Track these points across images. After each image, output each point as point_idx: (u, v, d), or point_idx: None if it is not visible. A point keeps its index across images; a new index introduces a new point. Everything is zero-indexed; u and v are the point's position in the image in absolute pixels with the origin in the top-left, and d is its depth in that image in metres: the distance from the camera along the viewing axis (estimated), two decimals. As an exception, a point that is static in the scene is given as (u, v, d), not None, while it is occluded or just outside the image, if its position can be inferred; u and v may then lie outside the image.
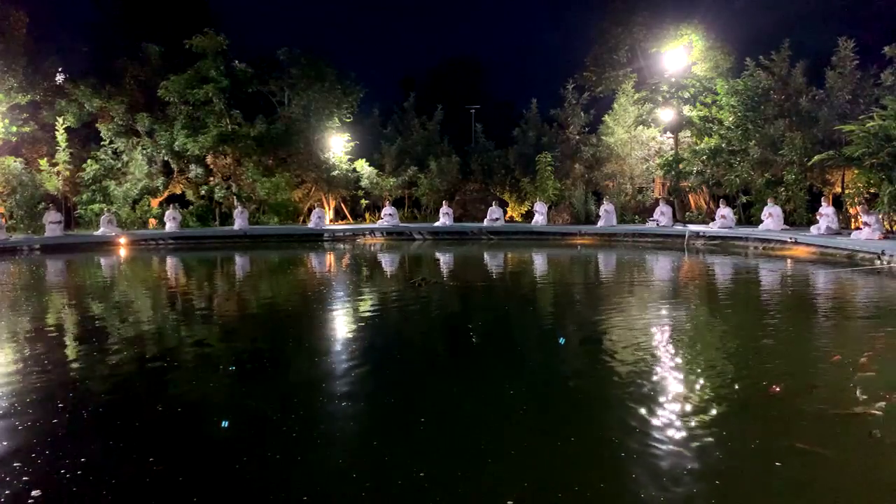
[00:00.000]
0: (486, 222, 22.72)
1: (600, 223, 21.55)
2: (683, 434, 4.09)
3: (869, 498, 3.36)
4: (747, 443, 3.96)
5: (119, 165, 24.68)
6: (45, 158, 23.58)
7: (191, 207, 25.64)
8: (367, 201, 27.67)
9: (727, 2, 24.94)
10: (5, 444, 4.05)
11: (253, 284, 12.91)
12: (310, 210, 25.56)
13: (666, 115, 23.22)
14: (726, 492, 3.36)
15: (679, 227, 19.75)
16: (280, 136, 25.29)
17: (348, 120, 27.07)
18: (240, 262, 16.87)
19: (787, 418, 4.45)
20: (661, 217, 20.75)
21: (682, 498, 3.29)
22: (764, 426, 4.29)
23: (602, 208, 22.00)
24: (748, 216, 21.22)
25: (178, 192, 26.16)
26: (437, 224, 23.12)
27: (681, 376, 5.40)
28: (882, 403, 4.54)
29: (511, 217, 26.05)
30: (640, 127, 23.91)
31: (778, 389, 4.93)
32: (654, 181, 24.76)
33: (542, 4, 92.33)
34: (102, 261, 16.86)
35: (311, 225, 23.42)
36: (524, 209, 25.95)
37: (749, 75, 20.33)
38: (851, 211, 18.67)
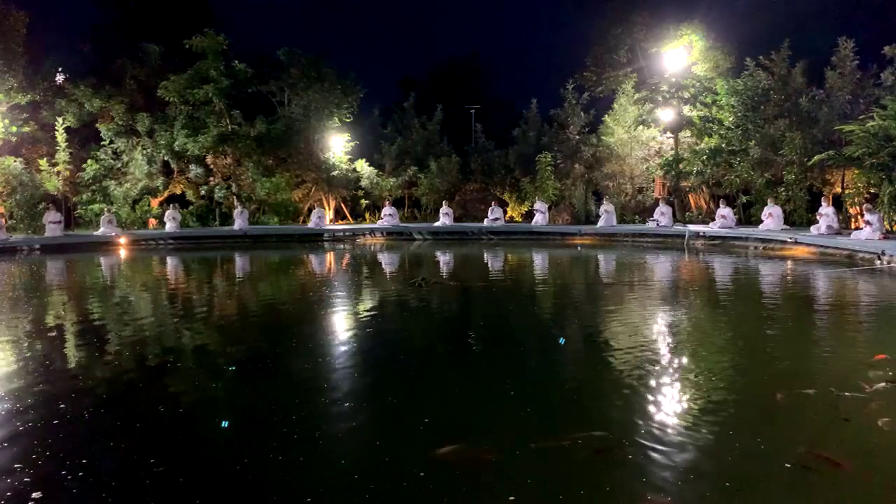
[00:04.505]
0: (486, 222, 22.71)
1: (600, 223, 21.55)
2: (690, 435, 4.08)
3: (875, 496, 3.36)
4: (756, 444, 3.94)
5: (119, 165, 24.67)
6: (45, 158, 23.55)
7: (191, 207, 25.62)
8: (367, 201, 27.67)
9: (727, 2, 24.94)
10: (6, 444, 4.04)
11: (253, 285, 12.90)
12: (310, 210, 25.55)
13: (666, 115, 23.21)
14: (735, 494, 3.36)
15: (679, 227, 19.74)
16: (280, 136, 25.27)
17: (348, 120, 27.05)
18: (240, 262, 16.86)
19: (794, 419, 4.44)
20: (661, 217, 20.74)
21: (690, 500, 3.28)
22: (771, 426, 4.27)
23: (602, 208, 21.99)
24: (748, 216, 21.21)
25: (178, 192, 26.14)
26: (437, 224, 23.11)
27: (685, 377, 5.39)
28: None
29: (511, 217, 26.05)
30: (640, 127, 23.89)
31: (780, 397, 4.93)
32: (654, 181, 24.75)
33: (542, 4, 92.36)
34: (102, 261, 16.86)
35: (311, 225, 23.41)
36: (524, 209, 25.94)
37: (749, 75, 20.33)
38: (851, 211, 18.67)
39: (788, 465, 3.65)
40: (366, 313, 8.98)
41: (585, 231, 21.07)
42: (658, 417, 4.38)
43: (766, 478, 3.53)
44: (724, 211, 19.34)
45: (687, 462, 3.69)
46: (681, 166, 22.35)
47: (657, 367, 5.62)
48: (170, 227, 22.08)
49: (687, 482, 3.45)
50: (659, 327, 7.51)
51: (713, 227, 18.94)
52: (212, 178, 25.42)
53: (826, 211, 16.54)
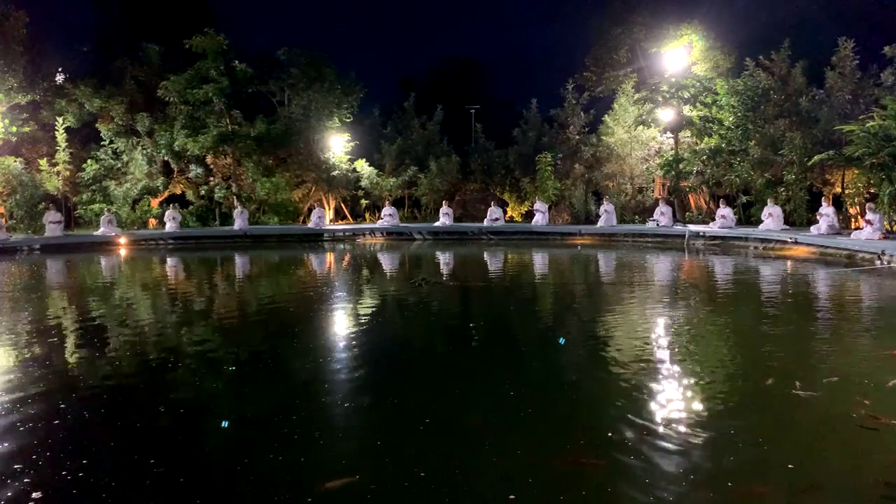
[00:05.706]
0: (486, 222, 22.71)
1: (600, 223, 21.55)
2: (692, 435, 4.08)
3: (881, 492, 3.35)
4: (757, 444, 3.94)
5: (119, 165, 24.69)
6: (45, 158, 23.58)
7: (191, 207, 25.64)
8: (367, 201, 27.68)
9: (727, 2, 24.93)
10: (6, 444, 4.04)
11: (253, 285, 12.89)
12: (310, 210, 25.55)
13: (666, 115, 23.20)
14: (738, 494, 3.35)
15: (679, 227, 19.74)
16: (280, 136, 25.28)
17: (348, 120, 27.06)
18: (240, 262, 16.86)
19: (795, 418, 4.44)
20: (661, 217, 20.74)
21: (694, 501, 3.28)
22: (773, 426, 4.27)
23: (602, 208, 22.00)
24: (748, 216, 21.21)
25: (178, 192, 26.16)
26: (437, 224, 23.11)
27: (685, 377, 5.39)
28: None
29: (511, 217, 26.05)
30: (640, 127, 23.90)
31: (769, 382, 4.93)
32: (654, 181, 24.75)
33: (542, 5, 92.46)
34: (102, 261, 16.85)
35: (311, 225, 23.41)
36: (524, 209, 25.95)
37: (749, 75, 20.33)
38: (851, 211, 18.67)
39: (791, 466, 3.65)
40: (366, 313, 8.98)
41: (585, 231, 21.07)
42: (663, 418, 4.37)
43: (769, 478, 3.53)
44: (724, 211, 19.33)
45: (692, 462, 3.68)
46: (681, 166, 22.35)
47: (657, 369, 5.62)
48: (170, 227, 22.08)
49: (693, 483, 3.44)
50: (659, 328, 7.50)
51: (713, 227, 18.94)
52: (212, 178, 25.43)
53: (826, 211, 16.54)
